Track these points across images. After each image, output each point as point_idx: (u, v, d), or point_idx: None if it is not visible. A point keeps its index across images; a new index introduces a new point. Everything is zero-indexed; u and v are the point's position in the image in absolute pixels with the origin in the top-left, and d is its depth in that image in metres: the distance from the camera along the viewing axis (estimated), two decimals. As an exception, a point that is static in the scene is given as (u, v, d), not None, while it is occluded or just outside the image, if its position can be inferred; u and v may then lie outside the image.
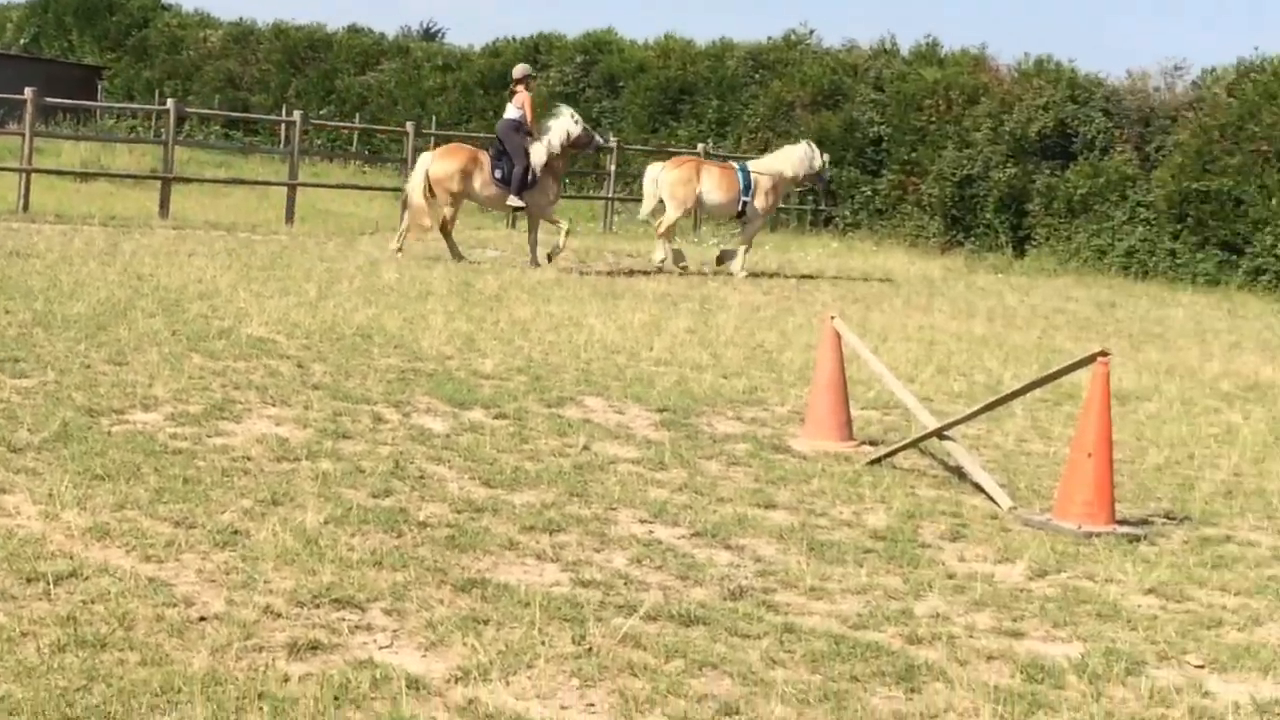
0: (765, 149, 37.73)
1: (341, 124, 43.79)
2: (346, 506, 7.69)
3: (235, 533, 7.07)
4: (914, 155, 36.04)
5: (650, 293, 19.62)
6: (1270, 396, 15.05)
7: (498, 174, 22.30)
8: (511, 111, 22.85)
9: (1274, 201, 30.36)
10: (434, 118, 43.94)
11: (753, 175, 24.97)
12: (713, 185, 24.70)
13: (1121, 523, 8.84)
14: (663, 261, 24.21)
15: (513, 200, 22.56)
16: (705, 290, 20.90)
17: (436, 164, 22.38)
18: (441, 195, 22.22)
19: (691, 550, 7.63)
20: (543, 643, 5.95)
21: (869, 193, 36.91)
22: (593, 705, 5.44)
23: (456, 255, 22.03)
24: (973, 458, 9.98)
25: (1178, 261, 31.49)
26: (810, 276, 24.97)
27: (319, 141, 44.54)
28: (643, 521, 8.11)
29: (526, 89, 23.05)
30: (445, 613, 6.22)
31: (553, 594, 6.60)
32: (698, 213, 27.84)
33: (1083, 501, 8.70)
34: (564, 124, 22.94)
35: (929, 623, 6.73)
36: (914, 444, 10.33)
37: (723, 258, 24.90)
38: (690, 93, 40.64)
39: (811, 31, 41.48)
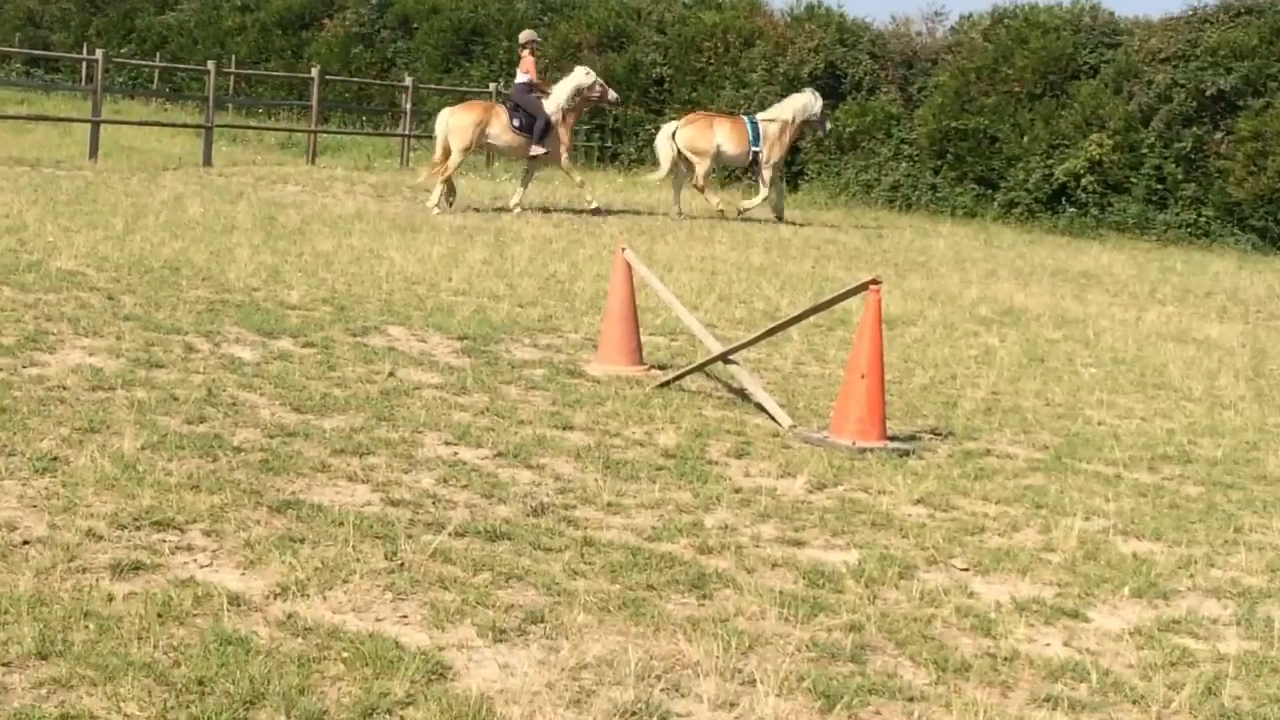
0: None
1: (143, 62, 42.72)
2: (162, 433, 7.58)
3: (54, 459, 6.95)
4: (695, 95, 36.16)
5: (447, 226, 19.52)
6: (1024, 320, 15.45)
7: (516, 123, 23.46)
8: (520, 76, 24.27)
9: (1025, 139, 31.06)
10: (233, 57, 43.11)
11: (760, 125, 25.79)
12: (726, 136, 25.63)
13: (892, 439, 9.05)
14: (721, 208, 25.71)
15: (535, 149, 23.62)
16: (499, 224, 20.84)
17: (455, 117, 23.28)
18: (457, 145, 23.01)
19: (495, 470, 7.66)
20: (357, 559, 5.95)
21: (653, 130, 36.99)
22: (406, 617, 5.47)
23: (448, 202, 22.87)
24: (755, 380, 10.14)
25: (938, 195, 32.09)
26: (599, 210, 25.00)
27: (120, 80, 43.39)
28: (448, 444, 8.12)
29: (531, 54, 24.33)
30: (262, 533, 6.19)
31: (365, 513, 6.59)
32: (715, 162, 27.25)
33: (857, 419, 8.89)
34: (575, 79, 24.28)
35: (718, 534, 6.85)
36: (700, 368, 10.46)
37: (744, 209, 26.18)
38: (481, 34, 40.32)
39: (588, -25, 41.43)
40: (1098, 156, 30.02)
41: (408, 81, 34.01)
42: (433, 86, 37.79)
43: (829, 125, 28.12)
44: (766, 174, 25.84)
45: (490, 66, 39.20)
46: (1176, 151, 29.59)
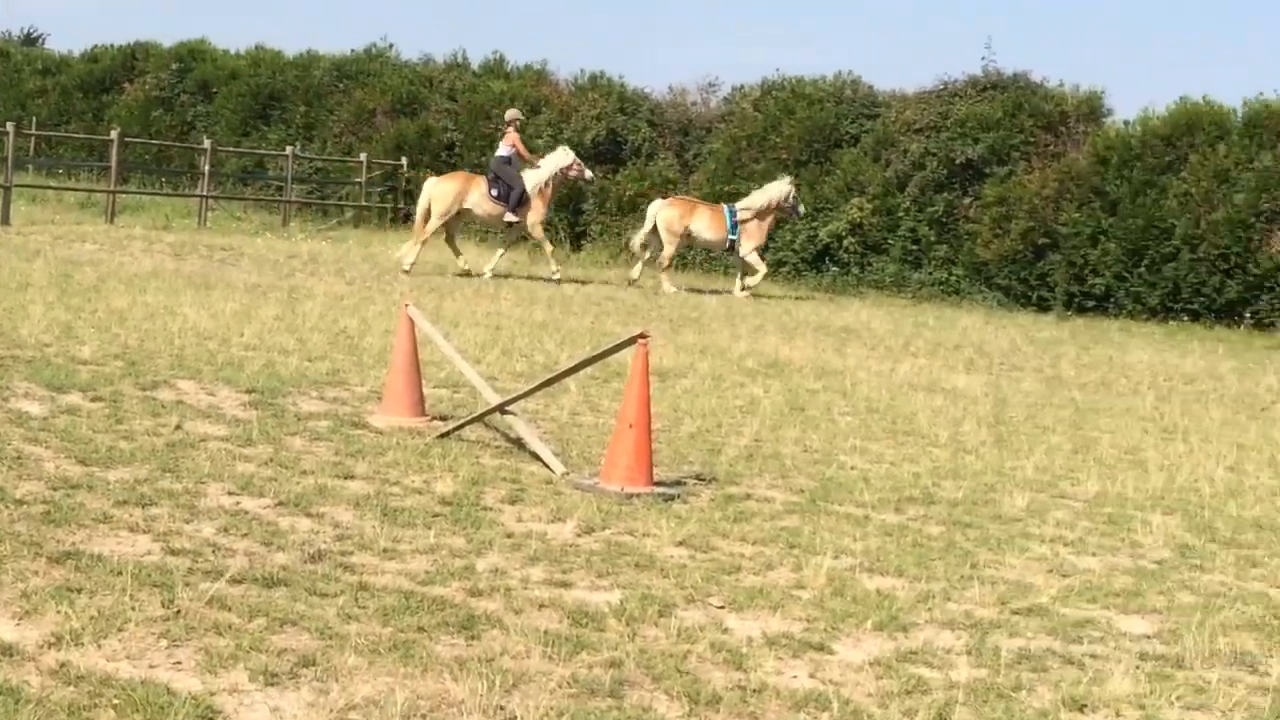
0: (349, 152, 37.45)
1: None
2: (-56, 486, 7.35)
3: None
4: (483, 159, 36.13)
5: (242, 284, 19.24)
6: (787, 372, 15.68)
7: (494, 193, 25.02)
8: (503, 149, 25.66)
9: (648, 186, 31.50)
10: (34, 119, 42.05)
11: (738, 214, 26.58)
12: (705, 224, 26.62)
13: (659, 484, 9.10)
14: (669, 290, 26.02)
15: (510, 216, 25.18)
16: (294, 282, 20.59)
17: (438, 186, 25.21)
18: (437, 210, 24.81)
19: (276, 519, 7.55)
20: (133, 608, 5.81)
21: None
22: (179, 663, 5.35)
23: (458, 260, 25.16)
24: (531, 429, 10.14)
25: (712, 255, 32.41)
26: (390, 270, 24.82)
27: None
28: (230, 494, 7.98)
29: (515, 130, 25.86)
30: (40, 583, 6.01)
31: (144, 562, 6.45)
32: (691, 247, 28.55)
33: (625, 466, 8.93)
34: (558, 157, 26.01)
35: (489, 577, 6.83)
36: (479, 418, 10.43)
37: (749, 286, 27.02)
38: (279, 99, 39.88)
39: (391, 45, 41.21)
40: (858, 219, 30.67)
41: (206, 144, 33.57)
42: (231, 149, 37.34)
43: (800, 209, 28.09)
44: (751, 259, 26.75)
45: (287, 130, 38.77)
46: (930, 215, 30.35)
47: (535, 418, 11.17)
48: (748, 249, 26.56)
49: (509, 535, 7.68)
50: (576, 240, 34.57)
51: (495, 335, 16.05)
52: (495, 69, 38.82)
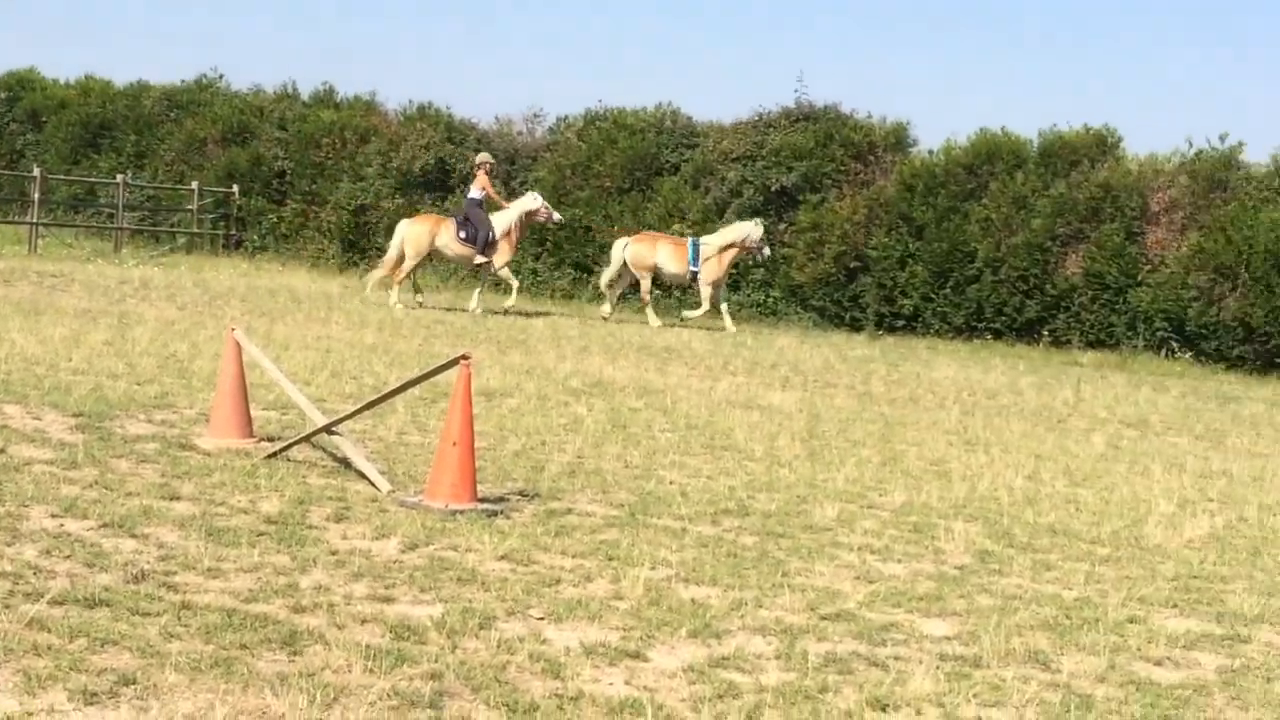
0: (181, 180, 36.81)
1: None
2: None
3: None
4: (314, 187, 35.79)
5: (71, 309, 18.78)
6: (610, 391, 15.69)
7: (463, 235, 25.52)
8: (474, 192, 25.96)
9: (616, 229, 31.66)
10: None
11: (701, 247, 26.44)
12: (667, 256, 26.58)
13: (482, 500, 9.04)
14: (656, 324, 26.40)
15: (479, 258, 25.75)
16: (124, 307, 20.15)
17: (411, 228, 25.85)
18: (411, 250, 25.48)
19: (99, 540, 7.36)
20: (-50, 631, 5.62)
21: (274, 219, 36.43)
22: (-3, 685, 5.19)
23: (414, 296, 26.14)
24: (357, 449, 10.02)
25: (539, 279, 32.41)
26: (222, 294, 24.40)
27: None
28: (54, 516, 7.76)
29: (486, 173, 26.05)
30: None
31: (-37, 586, 6.24)
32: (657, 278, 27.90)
33: (449, 484, 8.87)
34: (526, 201, 26.39)
35: (312, 593, 6.72)
36: (306, 439, 10.28)
37: (685, 318, 27.15)
38: (110, 128, 39.06)
39: (221, 76, 40.59)
40: (679, 244, 30.86)
41: (36, 172, 32.79)
42: (61, 177, 36.52)
43: (767, 251, 27.62)
44: (705, 290, 26.64)
45: (118, 159, 37.98)
46: (747, 240, 30.63)
47: (363, 438, 11.04)
48: (704, 281, 26.57)
49: (333, 552, 7.58)
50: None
51: (325, 358, 15.84)
52: (325, 99, 38.42)
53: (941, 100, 56.68)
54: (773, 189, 30.53)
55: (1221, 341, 26.54)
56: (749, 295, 30.37)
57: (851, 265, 29.66)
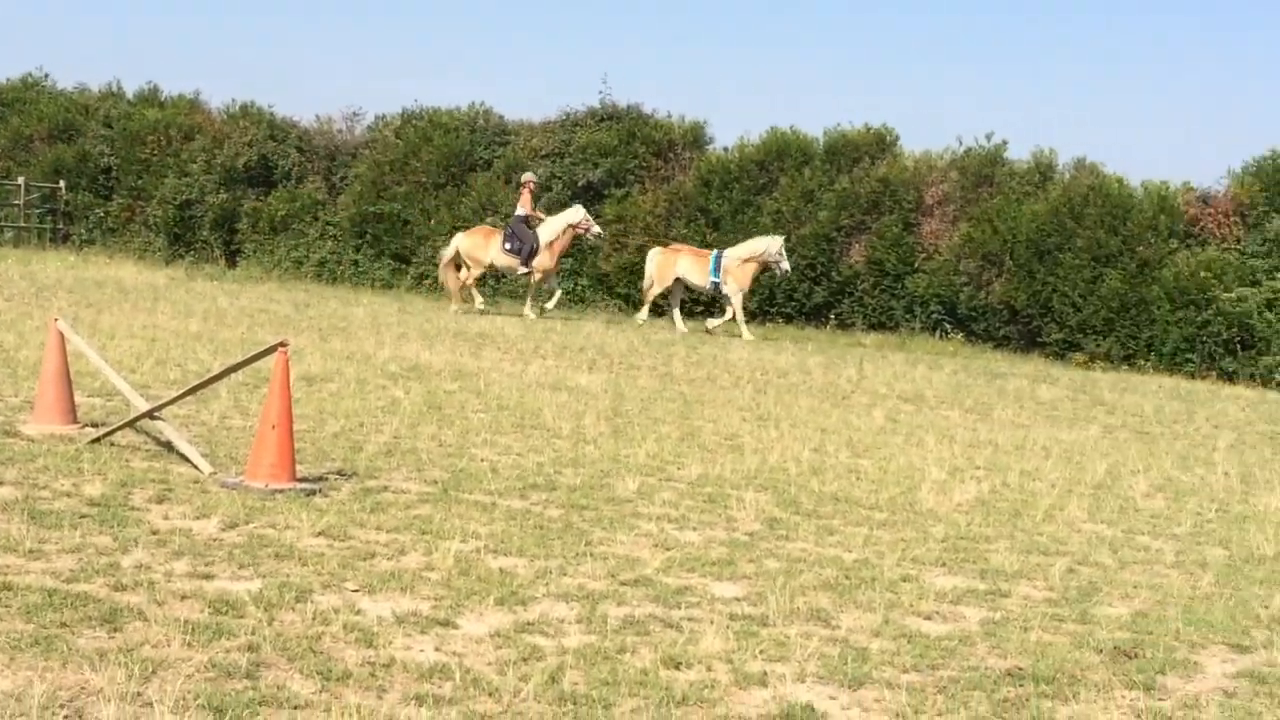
0: (8, 175, 35.59)
1: None
2: None
3: None
4: (140, 183, 34.89)
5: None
6: (427, 375, 15.56)
7: (507, 246, 25.93)
8: (520, 209, 26.38)
9: (432, 222, 31.42)
10: None
11: (723, 260, 25.43)
12: (689, 268, 25.75)
13: (301, 480, 8.90)
14: (642, 322, 26.18)
15: (521, 268, 26.15)
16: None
17: (467, 240, 26.59)
18: (470, 261, 26.40)
19: (-79, 526, 7.09)
20: None
21: (102, 214, 35.44)
22: None
23: (463, 303, 26.50)
24: (179, 433, 9.79)
25: (360, 269, 32.01)
26: (49, 286, 23.66)
27: None
28: (-125, 503, 7.46)
29: (529, 191, 26.46)
30: None
31: None
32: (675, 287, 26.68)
33: (269, 465, 8.71)
34: (569, 215, 26.25)
35: (133, 572, 6.55)
36: (130, 424, 10.02)
37: (710, 327, 25.95)
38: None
39: (46, 75, 39.32)
40: (493, 236, 30.74)
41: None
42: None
43: (786, 265, 26.10)
44: (736, 300, 25.68)
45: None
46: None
47: (186, 423, 10.80)
48: (730, 292, 25.77)
49: (155, 532, 7.39)
50: (232, 257, 33.68)
51: (150, 347, 15.45)
52: (150, 98, 37.44)
53: (735, 101, 57.27)
54: (580, 184, 30.54)
55: (989, 323, 27.26)
56: (559, 284, 30.36)
57: (654, 255, 29.84)
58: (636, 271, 29.72)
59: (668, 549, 8.00)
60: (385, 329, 21.15)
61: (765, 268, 25.98)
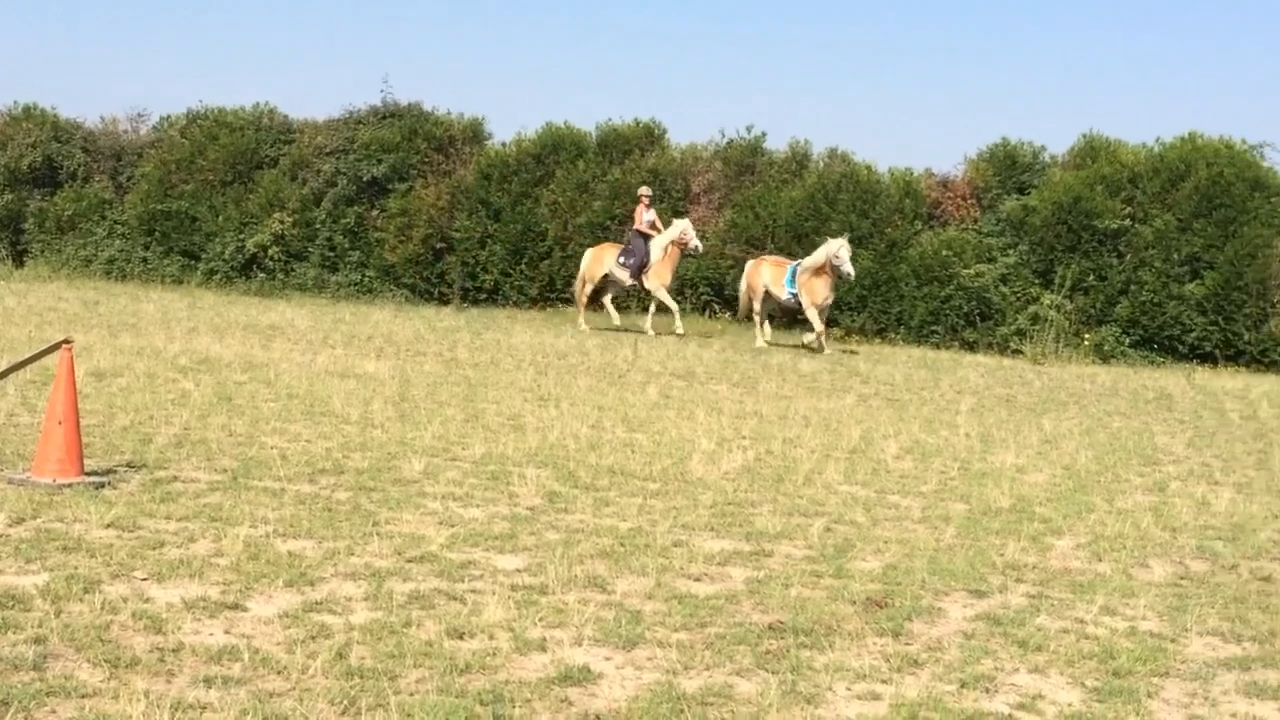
0: None
1: None
2: None
3: None
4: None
5: None
6: (218, 368, 15.17)
7: (621, 259, 24.68)
8: (639, 223, 24.82)
9: (221, 219, 30.64)
10: None
11: (797, 271, 23.14)
12: (771, 278, 23.44)
13: (90, 474, 8.61)
14: (764, 343, 23.52)
15: (628, 280, 24.71)
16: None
17: (587, 255, 25.42)
18: (586, 276, 25.21)
19: None
20: None
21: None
22: None
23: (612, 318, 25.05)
24: (-35, 433, 9.37)
25: (149, 266, 31.02)
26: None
27: None
28: None
29: (645, 206, 24.88)
30: None
31: None
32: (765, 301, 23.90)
33: (56, 460, 8.41)
34: (673, 230, 24.49)
35: (-83, 572, 6.26)
36: (-87, 425, 9.55)
37: (806, 343, 23.31)
38: None
39: None
40: (280, 231, 30.07)
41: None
42: None
43: (848, 268, 22.62)
44: (811, 313, 23.00)
45: None
46: (343, 226, 30.10)
47: (-29, 421, 10.34)
48: (806, 305, 23.16)
49: (-61, 532, 7.07)
50: (19, 257, 32.33)
51: (-65, 347, 14.75)
52: (-70, 100, 35.63)
53: (512, 98, 57.09)
54: (365, 179, 30.08)
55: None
56: (346, 276, 29.92)
57: (438, 246, 29.56)
58: (422, 262, 29.46)
59: (452, 526, 7.95)
60: (175, 324, 20.56)
61: (835, 273, 22.80)
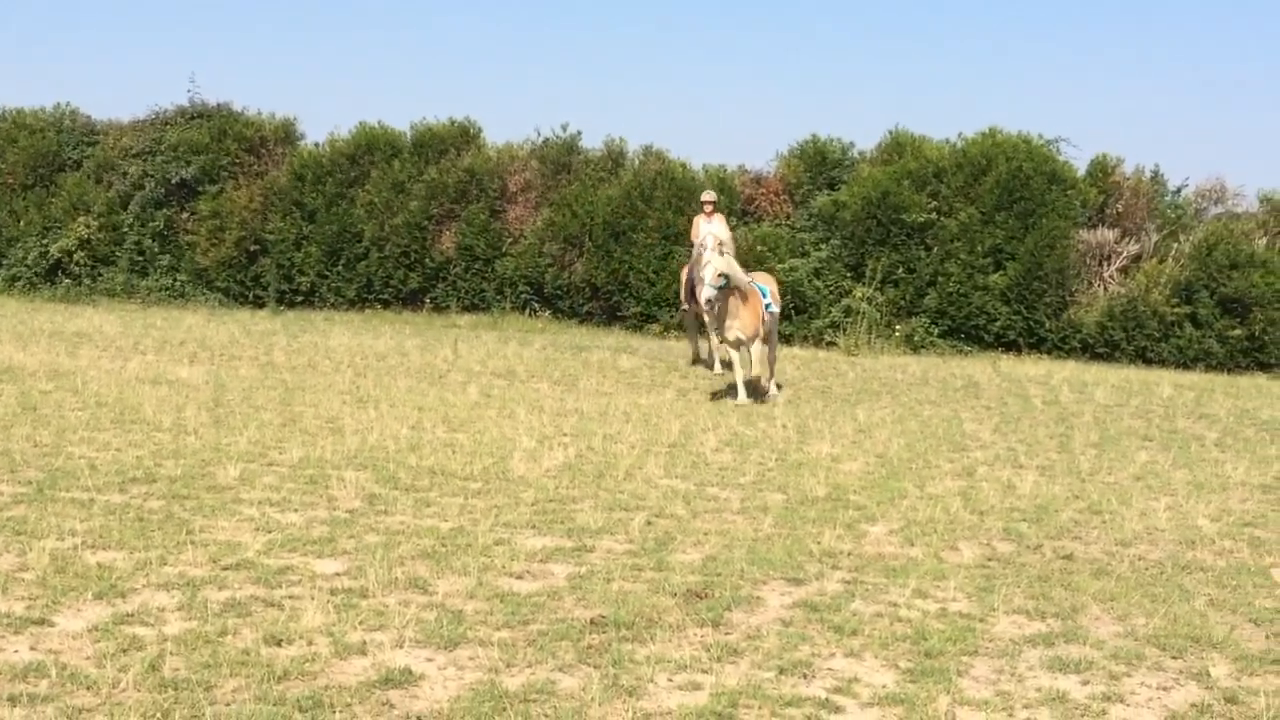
0: None
1: None
2: None
3: None
4: None
5: None
6: (21, 376, 14.66)
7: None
8: (695, 237, 18.42)
9: (22, 223, 29.60)
10: None
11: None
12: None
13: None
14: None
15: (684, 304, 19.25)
16: None
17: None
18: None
19: None
20: None
21: None
22: None
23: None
24: None
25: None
26: None
27: None
28: None
29: (707, 215, 19.16)
30: None
31: None
32: None
33: None
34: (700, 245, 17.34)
35: None
36: None
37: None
38: None
39: None
40: (86, 235, 29.16)
41: None
42: None
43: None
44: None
45: None
46: (152, 229, 29.29)
47: None
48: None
49: None
50: None
51: None
52: None
53: (324, 98, 56.19)
54: (173, 181, 29.32)
55: (573, 300, 27.71)
56: (157, 280, 29.14)
57: (252, 249, 28.94)
58: (235, 265, 28.85)
59: (269, 531, 7.81)
60: (-25, 332, 19.80)
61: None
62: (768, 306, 16.00)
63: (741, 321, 15.69)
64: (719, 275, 15.21)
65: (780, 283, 25.05)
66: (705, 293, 15.33)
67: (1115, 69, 56.07)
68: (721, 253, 15.80)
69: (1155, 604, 7.10)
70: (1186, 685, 5.90)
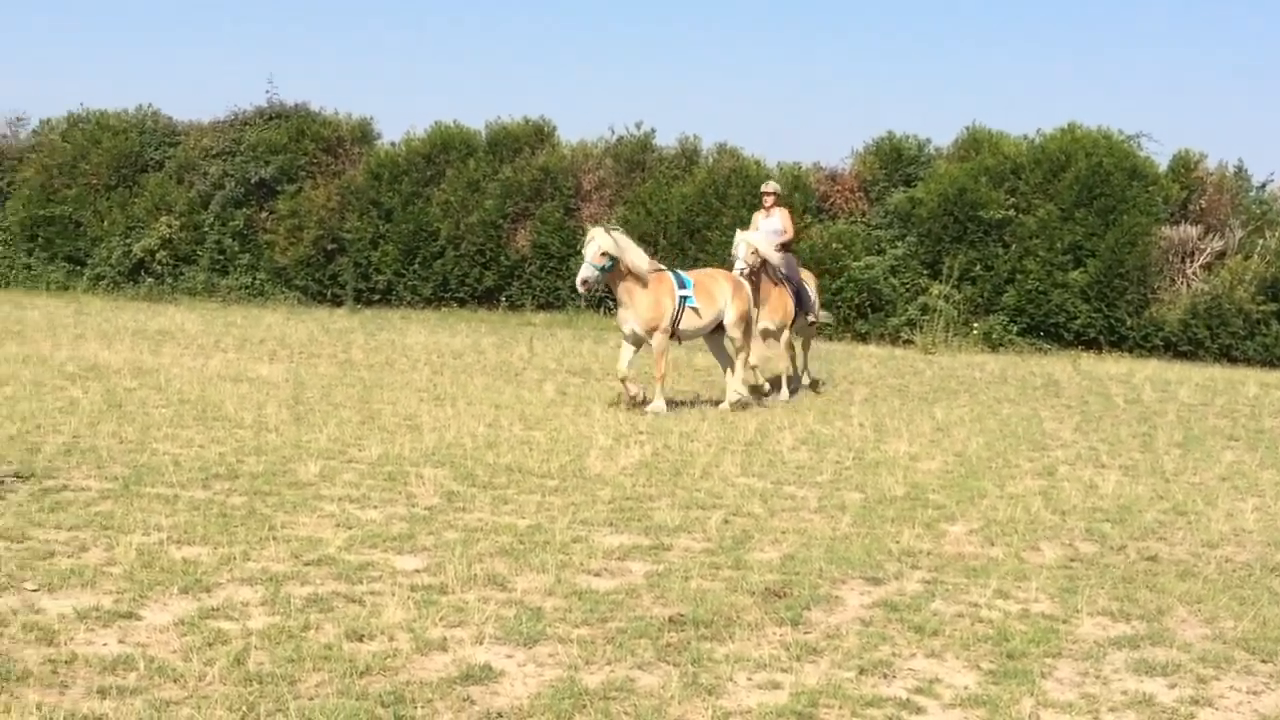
0: None
1: None
2: None
3: None
4: None
5: None
6: (106, 374, 14.90)
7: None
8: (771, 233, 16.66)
9: (106, 223, 30.07)
10: None
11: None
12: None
13: (-25, 486, 8.41)
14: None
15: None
16: None
17: None
18: None
19: None
20: None
21: None
22: None
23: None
24: None
25: (33, 273, 30.37)
26: None
27: None
28: None
29: (766, 209, 17.02)
30: None
31: None
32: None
33: (-61, 472, 8.20)
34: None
35: None
36: None
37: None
38: None
39: None
40: (168, 235, 29.58)
41: None
42: None
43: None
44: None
45: None
46: (232, 228, 29.68)
47: None
48: None
49: None
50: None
51: None
52: None
53: (401, 98, 56.63)
54: (252, 181, 29.68)
55: (649, 298, 27.77)
56: (236, 279, 29.50)
57: (329, 247, 29.23)
58: (313, 264, 29.13)
59: (349, 528, 7.88)
60: (62, 330, 20.15)
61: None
62: (685, 300, 14.42)
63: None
64: (602, 254, 13.72)
65: (853, 281, 24.92)
66: (584, 271, 13.87)
67: (1195, 65, 55.26)
68: (608, 232, 13.95)
69: (1243, 606, 6.99)
70: (1277, 690, 5.80)
